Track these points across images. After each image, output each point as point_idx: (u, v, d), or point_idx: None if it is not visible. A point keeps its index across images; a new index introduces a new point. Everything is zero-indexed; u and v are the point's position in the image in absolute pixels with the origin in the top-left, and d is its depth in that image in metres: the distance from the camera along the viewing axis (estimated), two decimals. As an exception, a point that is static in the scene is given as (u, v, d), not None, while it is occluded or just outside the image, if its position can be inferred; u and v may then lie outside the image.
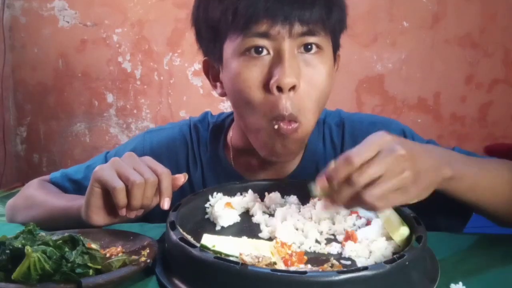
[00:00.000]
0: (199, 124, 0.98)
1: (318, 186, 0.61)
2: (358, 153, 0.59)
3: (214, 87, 0.88)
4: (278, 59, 0.75)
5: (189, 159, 0.95)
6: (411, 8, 2.70)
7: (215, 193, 0.80)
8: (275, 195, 0.81)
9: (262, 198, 0.82)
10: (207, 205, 0.79)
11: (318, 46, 0.78)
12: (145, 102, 2.90)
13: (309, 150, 0.92)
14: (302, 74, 0.76)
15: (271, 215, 0.77)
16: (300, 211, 0.76)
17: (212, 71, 0.87)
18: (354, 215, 0.75)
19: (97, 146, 2.93)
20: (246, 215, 0.78)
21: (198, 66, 2.82)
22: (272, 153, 0.81)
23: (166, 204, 0.73)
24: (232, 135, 0.94)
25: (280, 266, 0.60)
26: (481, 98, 2.76)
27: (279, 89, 0.75)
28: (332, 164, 0.60)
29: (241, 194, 0.82)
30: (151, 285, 0.62)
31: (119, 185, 0.71)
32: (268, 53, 0.76)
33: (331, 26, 0.79)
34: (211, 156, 0.95)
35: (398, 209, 0.72)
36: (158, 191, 0.73)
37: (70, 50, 2.88)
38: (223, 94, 0.86)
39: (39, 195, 0.92)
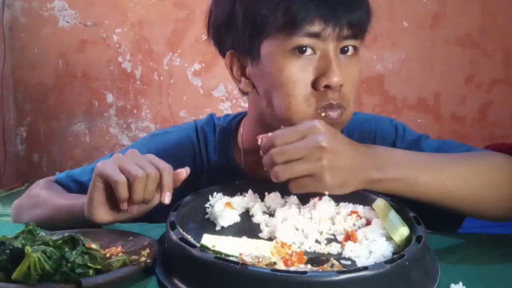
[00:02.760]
0: (205, 127, 0.97)
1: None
2: (282, 135, 0.67)
3: (238, 81, 0.87)
4: (324, 59, 0.78)
5: (196, 164, 0.95)
6: (411, 8, 2.70)
7: (215, 193, 0.80)
8: (275, 195, 0.81)
9: (262, 198, 0.82)
10: (207, 205, 0.79)
11: (355, 48, 0.81)
12: (145, 102, 2.90)
13: None
14: (345, 72, 0.79)
15: (271, 215, 0.77)
16: (300, 211, 0.76)
17: (237, 65, 0.86)
18: (354, 215, 0.75)
19: (97, 146, 2.94)
20: (246, 215, 0.78)
21: (198, 66, 2.83)
22: None
23: (167, 198, 0.73)
24: (243, 136, 0.93)
25: (280, 266, 0.60)
26: (481, 98, 2.76)
27: (328, 87, 0.78)
28: (259, 139, 0.70)
29: (241, 194, 0.82)
30: (151, 285, 0.62)
31: (120, 178, 0.71)
32: (313, 52, 0.78)
33: (368, 27, 0.82)
34: (220, 159, 0.94)
35: (398, 209, 0.72)
36: (160, 186, 0.73)
37: (70, 50, 2.89)
38: (245, 90, 0.86)
39: (43, 194, 0.93)
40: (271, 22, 0.77)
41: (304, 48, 0.77)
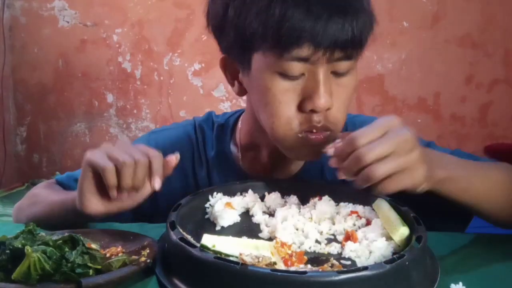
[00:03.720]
0: (203, 124, 0.98)
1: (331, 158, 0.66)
2: (364, 133, 0.63)
3: (232, 85, 0.86)
4: (313, 82, 0.74)
5: (195, 159, 0.95)
6: (411, 8, 2.70)
7: (215, 193, 0.80)
8: (275, 195, 0.81)
9: (262, 198, 0.82)
10: (207, 205, 0.79)
11: (351, 67, 0.77)
12: (145, 102, 2.90)
13: None
14: (334, 94, 0.76)
15: (271, 215, 0.77)
16: (300, 211, 0.76)
17: (230, 68, 0.85)
18: (354, 215, 0.75)
19: (97, 146, 2.93)
20: (246, 215, 0.78)
21: (198, 66, 2.82)
22: (298, 156, 0.83)
23: (156, 184, 0.72)
24: (241, 132, 0.93)
25: (280, 266, 0.60)
26: (481, 98, 2.76)
27: (313, 111, 0.75)
28: (338, 142, 0.66)
29: (241, 194, 0.82)
30: (151, 285, 0.62)
31: (108, 164, 0.70)
32: (303, 74, 0.74)
33: (366, 44, 0.77)
34: (217, 154, 0.94)
35: (398, 209, 0.72)
36: (149, 173, 0.72)
37: (70, 50, 2.88)
38: (240, 93, 0.85)
39: (42, 193, 0.93)
40: (259, 38, 0.74)
41: (295, 74, 0.74)
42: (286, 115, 0.76)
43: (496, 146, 2.74)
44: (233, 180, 0.86)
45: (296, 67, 0.73)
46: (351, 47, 0.73)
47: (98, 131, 2.95)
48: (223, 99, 2.85)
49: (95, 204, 0.74)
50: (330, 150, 0.67)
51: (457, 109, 2.77)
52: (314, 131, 0.76)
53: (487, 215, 0.79)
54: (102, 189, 0.73)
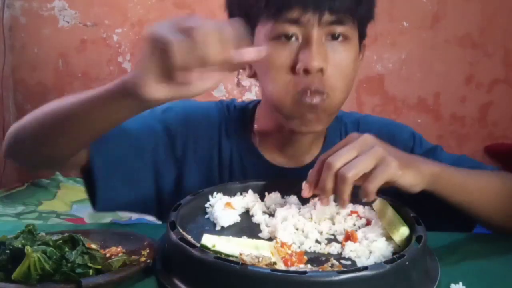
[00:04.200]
0: (229, 106, 1.00)
1: (305, 190, 0.71)
2: (327, 152, 0.69)
3: (243, 68, 0.91)
4: (306, 44, 0.79)
5: (222, 134, 0.95)
6: (411, 8, 2.70)
7: (215, 193, 0.80)
8: (275, 195, 0.82)
9: (262, 198, 0.82)
10: (207, 205, 0.79)
11: (345, 35, 0.81)
12: (145, 102, 2.90)
13: (327, 143, 0.96)
14: (329, 59, 0.79)
15: (271, 215, 0.77)
16: (300, 211, 0.76)
17: None
18: (354, 215, 0.75)
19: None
20: (246, 215, 0.78)
21: (198, 66, 2.83)
22: (300, 123, 0.84)
23: (237, 54, 0.57)
24: (257, 117, 0.96)
25: (280, 266, 0.60)
26: (481, 98, 2.76)
27: (306, 71, 0.78)
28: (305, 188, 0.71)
29: (241, 194, 0.82)
30: (151, 285, 0.62)
31: (178, 37, 0.55)
32: (297, 39, 0.79)
33: (359, 16, 0.82)
34: (239, 134, 0.96)
35: (398, 209, 0.72)
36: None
37: (70, 50, 2.88)
38: (251, 75, 0.90)
39: (51, 104, 0.79)
40: (256, 9, 0.80)
41: (290, 35, 0.79)
42: (283, 78, 0.80)
43: (496, 146, 2.74)
44: (250, 160, 0.93)
45: (289, 29, 0.78)
46: (341, 10, 0.78)
47: (98, 131, 2.95)
48: (223, 99, 2.84)
49: (158, 88, 0.59)
50: (305, 186, 0.71)
51: (457, 109, 2.77)
52: (309, 94, 0.79)
53: (479, 217, 0.81)
54: (165, 71, 0.58)
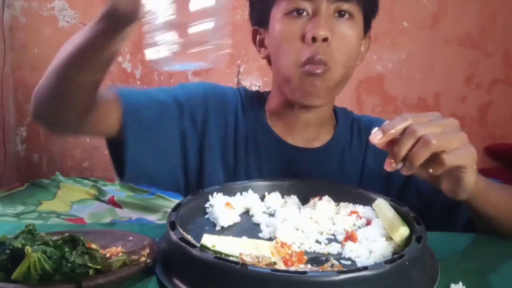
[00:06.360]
0: (244, 91, 1.05)
1: (375, 136, 0.63)
2: (413, 114, 0.64)
3: (259, 52, 0.99)
4: (315, 17, 0.87)
5: (238, 110, 1.01)
6: (411, 8, 2.70)
7: (215, 193, 0.80)
8: (275, 195, 0.82)
9: (262, 198, 0.82)
10: (207, 205, 0.79)
11: (350, 13, 0.89)
12: (145, 102, 2.90)
13: (337, 134, 1.00)
14: (335, 32, 0.87)
15: (271, 215, 0.77)
16: (300, 211, 0.76)
17: (259, 38, 0.99)
18: (354, 215, 0.75)
19: (97, 146, 2.93)
20: (246, 215, 0.78)
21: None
22: (303, 94, 0.90)
23: None
24: (269, 99, 1.02)
25: (280, 266, 0.60)
26: (481, 98, 2.76)
27: (314, 39, 0.85)
28: (385, 123, 0.64)
29: (241, 194, 0.82)
30: (151, 285, 0.62)
31: None
32: (308, 14, 0.87)
33: (363, 0, 0.90)
34: (255, 114, 1.01)
35: (398, 209, 0.72)
36: None
37: (70, 50, 2.88)
38: (266, 57, 0.98)
39: (59, 52, 0.80)
40: None
41: (301, 11, 0.87)
42: (292, 49, 0.88)
43: (496, 146, 2.74)
44: (264, 136, 0.97)
45: (300, 4, 0.87)
46: None
47: (98, 131, 2.95)
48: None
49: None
50: (374, 129, 0.64)
51: (457, 109, 2.77)
52: (314, 63, 0.86)
53: (499, 229, 0.80)
54: None
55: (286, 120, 0.98)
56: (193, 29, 0.56)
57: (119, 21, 0.65)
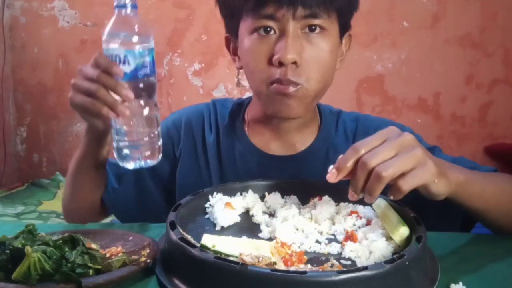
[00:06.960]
0: (217, 103, 1.06)
1: (332, 175, 0.64)
2: (365, 142, 0.64)
3: (234, 60, 0.97)
4: (281, 37, 0.84)
5: (205, 127, 1.03)
6: (411, 8, 2.70)
7: (215, 193, 0.80)
8: (275, 195, 0.82)
9: (262, 198, 0.82)
10: (207, 205, 0.79)
11: (321, 27, 0.85)
12: (145, 102, 2.90)
13: (322, 134, 0.99)
14: (305, 51, 0.84)
15: (271, 215, 0.77)
16: (300, 211, 0.76)
17: (232, 46, 0.97)
18: (354, 215, 0.75)
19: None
20: (246, 215, 0.78)
21: (198, 66, 2.82)
22: (275, 111, 0.89)
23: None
24: (249, 108, 1.03)
25: (280, 266, 0.60)
26: (481, 98, 2.76)
27: (281, 64, 0.83)
28: (339, 157, 0.65)
29: (241, 194, 0.82)
30: (151, 285, 0.62)
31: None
32: (275, 32, 0.85)
33: (336, 8, 0.86)
34: (229, 124, 1.02)
35: (398, 209, 0.72)
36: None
37: (70, 50, 2.88)
38: (240, 67, 0.95)
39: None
40: (237, 6, 0.87)
41: (268, 29, 0.84)
42: (259, 68, 0.86)
43: (496, 146, 2.74)
44: (240, 147, 0.97)
45: (266, 23, 0.84)
46: (314, 5, 0.82)
47: (98, 131, 2.95)
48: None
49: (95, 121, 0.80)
50: (330, 168, 0.65)
51: (457, 109, 2.77)
52: (284, 83, 0.84)
53: (492, 222, 0.80)
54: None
55: (267, 127, 0.98)
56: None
57: (97, 132, 0.83)
